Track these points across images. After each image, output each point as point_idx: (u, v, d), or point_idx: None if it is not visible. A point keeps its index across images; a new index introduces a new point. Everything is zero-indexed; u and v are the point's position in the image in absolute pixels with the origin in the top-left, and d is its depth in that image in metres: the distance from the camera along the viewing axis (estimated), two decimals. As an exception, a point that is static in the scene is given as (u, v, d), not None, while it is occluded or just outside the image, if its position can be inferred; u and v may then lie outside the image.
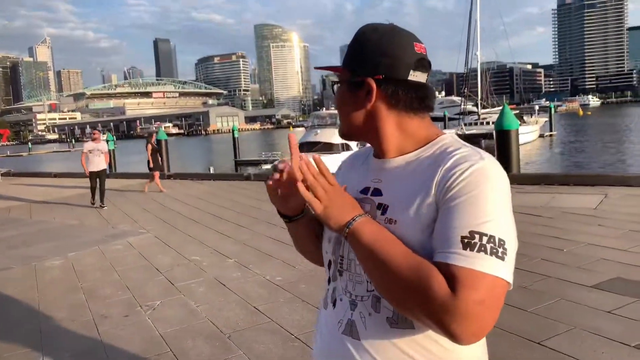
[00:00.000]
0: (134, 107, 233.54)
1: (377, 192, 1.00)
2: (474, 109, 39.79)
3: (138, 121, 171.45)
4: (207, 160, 38.28)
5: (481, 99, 40.05)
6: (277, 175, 0.98)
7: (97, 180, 10.05)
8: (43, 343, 3.60)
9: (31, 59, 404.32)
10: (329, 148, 19.67)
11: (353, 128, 1.03)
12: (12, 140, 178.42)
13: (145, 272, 5.24)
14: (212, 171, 17.53)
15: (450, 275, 0.80)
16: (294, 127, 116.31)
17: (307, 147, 20.35)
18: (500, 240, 0.84)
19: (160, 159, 12.33)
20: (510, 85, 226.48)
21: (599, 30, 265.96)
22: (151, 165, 12.03)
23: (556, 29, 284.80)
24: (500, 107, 13.09)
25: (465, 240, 0.82)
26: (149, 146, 12.17)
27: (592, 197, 7.07)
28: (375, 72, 0.97)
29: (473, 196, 0.85)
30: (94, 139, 10.39)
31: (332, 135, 20.50)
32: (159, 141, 12.45)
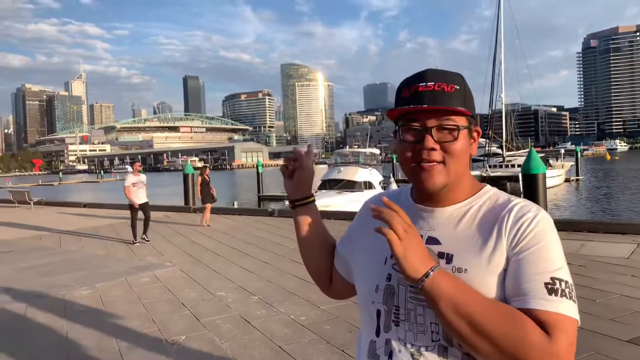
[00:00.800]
0: (162, 141, 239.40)
1: (434, 241, 1.00)
2: (499, 151, 39.50)
3: (165, 154, 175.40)
4: (232, 194, 38.66)
5: (506, 141, 39.82)
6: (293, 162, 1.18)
7: (140, 213, 9.80)
8: (71, 374, 3.64)
9: (66, 93, 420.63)
10: (351, 186, 19.70)
11: (459, 175, 1.01)
12: (44, 169, 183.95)
13: (170, 305, 5.28)
14: (236, 206, 17.69)
15: (541, 320, 0.86)
16: (316, 164, 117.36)
17: (330, 184, 20.44)
18: (571, 285, 0.92)
19: (211, 191, 11.96)
20: (535, 127, 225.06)
21: (626, 73, 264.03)
22: (198, 196, 12.01)
23: (581, 72, 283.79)
24: (526, 150, 13.04)
25: (549, 287, 0.88)
26: (199, 179, 11.95)
27: (624, 245, 6.90)
28: (475, 120, 1.03)
29: (544, 246, 0.92)
30: (135, 171, 10.12)
31: (355, 173, 20.56)
32: (201, 173, 12.01)
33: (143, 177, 10.09)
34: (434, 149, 0.96)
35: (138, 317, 4.93)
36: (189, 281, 6.33)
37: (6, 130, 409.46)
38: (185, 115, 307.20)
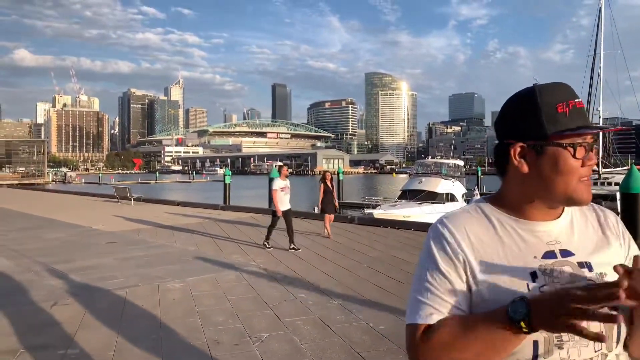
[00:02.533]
0: (250, 145, 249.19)
1: (568, 253, 1.02)
2: (595, 167, 36.78)
3: (252, 158, 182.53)
4: (313, 199, 39.34)
5: (603, 157, 37.02)
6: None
7: (281, 220, 9.22)
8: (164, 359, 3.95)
9: (166, 98, 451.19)
10: (432, 197, 19.31)
11: None
12: (142, 169, 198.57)
13: (254, 304, 5.53)
14: (316, 211, 18.02)
15: None
16: (397, 173, 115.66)
17: (410, 194, 20.18)
18: None
19: (334, 200, 11.01)
20: (637, 144, 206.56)
21: None
22: (319, 206, 11.07)
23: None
24: (626, 167, 12.06)
25: None
26: (322, 186, 10.91)
27: None
28: None
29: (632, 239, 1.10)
30: (282, 175, 9.46)
31: (437, 184, 20.08)
32: (323, 179, 10.92)
33: (288, 182, 9.56)
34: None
35: (224, 312, 5.22)
36: (272, 281, 6.58)
37: (112, 131, 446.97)
38: (272, 121, 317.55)
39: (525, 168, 1.01)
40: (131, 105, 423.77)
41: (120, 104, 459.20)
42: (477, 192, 10.13)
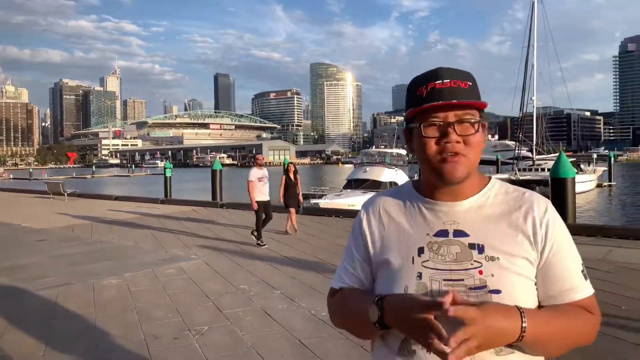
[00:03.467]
0: (192, 137, 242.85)
1: (462, 234, 1.04)
2: (529, 154, 38.73)
3: (194, 150, 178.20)
4: (257, 191, 39.02)
5: (536, 145, 39.01)
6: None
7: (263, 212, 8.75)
8: (99, 359, 3.79)
9: (101, 89, 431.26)
10: (377, 186, 19.65)
11: (476, 167, 1.07)
12: (78, 163, 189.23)
13: (194, 297, 5.42)
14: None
15: (586, 304, 1.04)
16: (343, 163, 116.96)
17: (355, 184, 20.45)
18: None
19: (297, 194, 10.01)
20: (568, 132, 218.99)
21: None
22: (281, 200, 10.04)
23: (617, 76, 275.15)
24: (556, 154, 12.75)
25: (583, 274, 1.06)
26: (283, 178, 10.03)
27: (654, 253, 6.72)
28: (485, 115, 1.10)
29: (566, 235, 1.07)
30: (258, 165, 9.09)
31: (381, 173, 20.50)
32: (286, 171, 10.02)
33: (266, 171, 9.07)
34: (457, 142, 1.00)
35: (163, 307, 5.08)
36: (213, 274, 6.47)
37: (44, 124, 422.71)
38: (215, 112, 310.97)
39: (410, 147, 1.11)
40: (64, 96, 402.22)
41: (51, 95, 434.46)
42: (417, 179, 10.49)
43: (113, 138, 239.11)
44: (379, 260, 1.10)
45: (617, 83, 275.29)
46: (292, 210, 10.00)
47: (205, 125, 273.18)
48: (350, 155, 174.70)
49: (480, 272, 0.99)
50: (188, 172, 79.16)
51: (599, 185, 35.21)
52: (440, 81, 1.02)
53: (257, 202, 8.71)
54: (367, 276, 1.14)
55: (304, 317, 4.62)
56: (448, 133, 1.00)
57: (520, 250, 1.02)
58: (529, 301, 1.00)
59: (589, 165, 39.61)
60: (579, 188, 24.63)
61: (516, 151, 38.54)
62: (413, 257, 1.04)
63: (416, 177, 11.16)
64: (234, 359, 3.70)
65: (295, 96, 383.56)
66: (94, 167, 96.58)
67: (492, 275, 0.99)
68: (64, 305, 5.22)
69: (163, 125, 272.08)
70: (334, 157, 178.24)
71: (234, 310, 4.89)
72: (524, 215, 1.05)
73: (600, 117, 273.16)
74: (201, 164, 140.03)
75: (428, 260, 1.03)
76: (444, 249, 1.03)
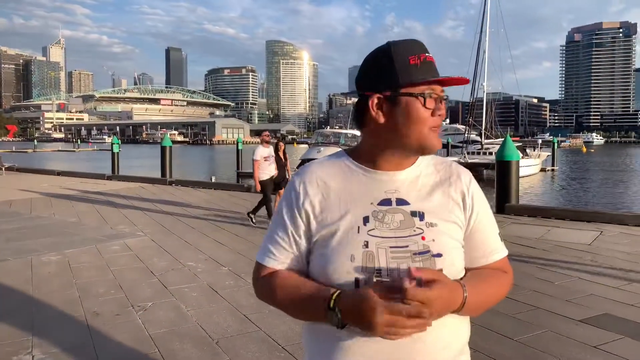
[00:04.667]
0: (142, 113, 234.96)
1: (403, 202, 1.08)
2: (478, 138, 39.97)
3: (144, 126, 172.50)
4: (210, 169, 38.40)
5: (485, 129, 40.24)
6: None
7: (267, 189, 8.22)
8: (34, 335, 3.64)
9: (44, 59, 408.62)
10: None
11: None
12: (18, 136, 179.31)
13: (139, 273, 5.29)
14: (213, 180, 17.60)
15: (502, 264, 1.16)
16: (297, 143, 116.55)
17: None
18: None
19: (285, 175, 8.66)
20: (516, 117, 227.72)
21: (606, 69, 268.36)
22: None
23: (564, 65, 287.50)
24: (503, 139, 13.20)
25: (499, 236, 1.17)
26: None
27: (587, 232, 7.12)
28: None
29: (486, 202, 1.16)
30: (264, 142, 8.52)
31: (335, 154, 20.69)
32: (276, 151, 8.68)
33: (272, 149, 8.54)
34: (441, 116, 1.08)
35: (105, 283, 4.93)
36: (160, 251, 6.33)
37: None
38: (167, 87, 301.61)
39: (381, 119, 1.06)
40: (2, 65, 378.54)
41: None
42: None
43: (57, 111, 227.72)
44: (322, 232, 1.07)
45: (563, 71, 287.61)
46: (282, 192, 9.26)
47: (155, 101, 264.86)
48: (305, 136, 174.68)
49: (423, 238, 1.05)
50: (137, 149, 76.74)
51: (542, 170, 36.82)
52: (429, 53, 1.08)
53: (264, 180, 8.22)
54: (302, 252, 1.11)
55: (250, 293, 4.60)
56: (441, 107, 1.07)
57: (452, 216, 1.09)
58: (462, 263, 1.09)
59: (534, 150, 41.30)
60: (523, 172, 25.73)
61: (466, 135, 39.67)
62: (359, 227, 1.05)
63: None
64: (177, 334, 3.64)
65: (251, 73, 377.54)
66: (35, 141, 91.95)
67: (433, 240, 1.05)
68: (-2, 282, 4.97)
69: (111, 99, 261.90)
70: (289, 136, 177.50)
71: (180, 286, 4.81)
72: (454, 185, 1.13)
73: (547, 104, 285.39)
74: (151, 141, 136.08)
75: (374, 229, 1.05)
76: (389, 217, 1.06)
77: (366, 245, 1.03)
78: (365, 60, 1.11)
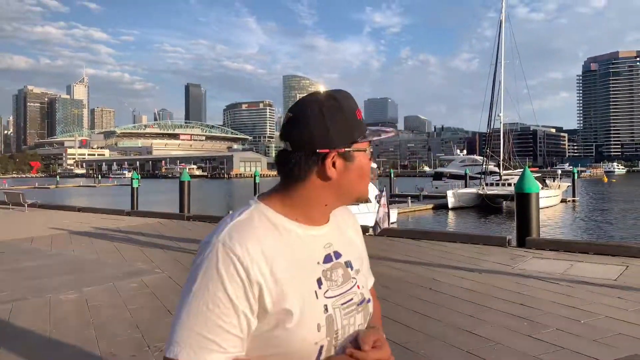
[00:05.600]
0: (161, 148, 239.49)
1: (339, 255, 1.08)
2: (496, 169, 39.66)
3: (163, 161, 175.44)
4: (228, 203, 38.65)
5: (503, 160, 40.00)
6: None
7: None
8: (50, 377, 3.62)
9: (68, 97, 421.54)
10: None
11: None
12: (41, 172, 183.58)
13: (156, 312, 5.27)
14: (230, 215, 17.65)
15: (373, 289, 1.21)
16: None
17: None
18: None
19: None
20: (534, 148, 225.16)
21: (625, 97, 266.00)
22: None
23: (581, 95, 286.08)
24: (522, 169, 13.04)
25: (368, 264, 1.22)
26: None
27: (613, 267, 6.91)
28: None
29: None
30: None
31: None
32: None
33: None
34: None
35: (123, 322, 4.91)
36: (177, 289, 6.30)
37: (6, 132, 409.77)
38: (186, 122, 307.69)
39: (334, 174, 1.00)
40: (28, 103, 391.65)
41: (15, 103, 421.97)
42: (384, 193, 10.51)
43: (79, 147, 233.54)
44: (278, 309, 0.93)
45: (581, 101, 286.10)
46: None
47: (175, 136, 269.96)
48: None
49: (358, 287, 1.08)
50: (156, 183, 77.90)
51: (563, 201, 36.24)
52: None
53: None
54: (249, 334, 0.94)
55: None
56: (372, 159, 1.10)
57: (361, 254, 1.16)
58: None
59: (553, 181, 40.77)
60: (544, 203, 25.39)
61: (484, 166, 39.42)
62: (316, 291, 0.98)
63: (384, 192, 11.27)
64: (193, 377, 3.58)
65: (268, 108, 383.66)
66: (58, 177, 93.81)
67: (363, 286, 1.10)
68: (17, 321, 4.99)
69: (132, 135, 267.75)
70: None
71: (196, 326, 4.76)
72: (352, 224, 1.19)
73: (565, 134, 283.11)
74: (170, 175, 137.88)
75: (328, 290, 1.01)
76: (335, 274, 1.04)
77: (326, 309, 0.98)
78: (306, 110, 1.00)
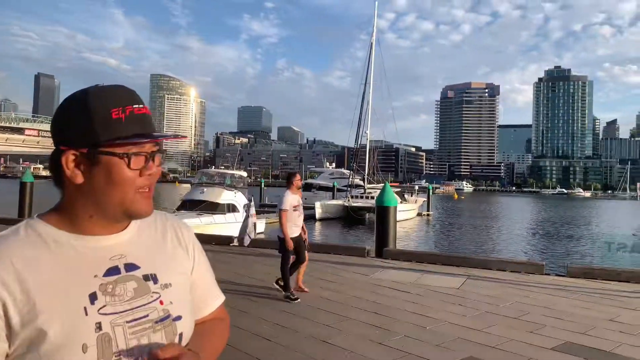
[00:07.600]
0: (1, 143, 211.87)
1: (133, 267, 0.96)
2: (361, 183, 41.90)
3: (2, 159, 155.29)
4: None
5: (368, 174, 42.48)
6: None
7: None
8: None
9: None
10: (213, 208, 19.12)
11: None
12: None
13: None
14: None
15: (221, 309, 1.16)
16: (180, 182, 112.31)
17: (190, 205, 19.63)
18: None
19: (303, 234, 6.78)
20: (396, 164, 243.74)
21: (474, 124, 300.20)
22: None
23: (438, 118, 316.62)
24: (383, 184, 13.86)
25: (215, 282, 1.16)
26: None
27: (456, 277, 7.57)
28: None
29: (201, 247, 1.14)
30: (294, 187, 6.64)
31: (219, 195, 19.99)
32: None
33: (300, 196, 6.83)
34: (152, 175, 0.96)
35: None
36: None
37: None
38: (34, 116, 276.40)
39: (79, 178, 0.91)
40: None
41: None
42: (252, 202, 10.39)
43: None
44: (30, 328, 0.84)
45: (438, 124, 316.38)
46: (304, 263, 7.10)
47: (19, 130, 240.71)
48: (189, 174, 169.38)
49: (162, 303, 0.97)
50: (-3, 183, 68.47)
51: (419, 214, 39.43)
52: (138, 106, 0.94)
53: (295, 237, 6.46)
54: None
55: None
56: (151, 166, 0.95)
57: (181, 268, 1.05)
58: (194, 316, 1.05)
59: (411, 196, 44.22)
60: (402, 216, 27.28)
61: (350, 179, 41.42)
62: (85, 308, 0.88)
63: (252, 202, 11.15)
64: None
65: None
66: None
67: (171, 302, 0.98)
68: None
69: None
70: (171, 175, 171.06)
71: None
72: (175, 234, 1.08)
73: (423, 153, 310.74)
74: (10, 175, 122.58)
75: (105, 306, 0.90)
76: (120, 288, 0.93)
77: (99, 327, 0.87)
78: (61, 106, 0.94)
